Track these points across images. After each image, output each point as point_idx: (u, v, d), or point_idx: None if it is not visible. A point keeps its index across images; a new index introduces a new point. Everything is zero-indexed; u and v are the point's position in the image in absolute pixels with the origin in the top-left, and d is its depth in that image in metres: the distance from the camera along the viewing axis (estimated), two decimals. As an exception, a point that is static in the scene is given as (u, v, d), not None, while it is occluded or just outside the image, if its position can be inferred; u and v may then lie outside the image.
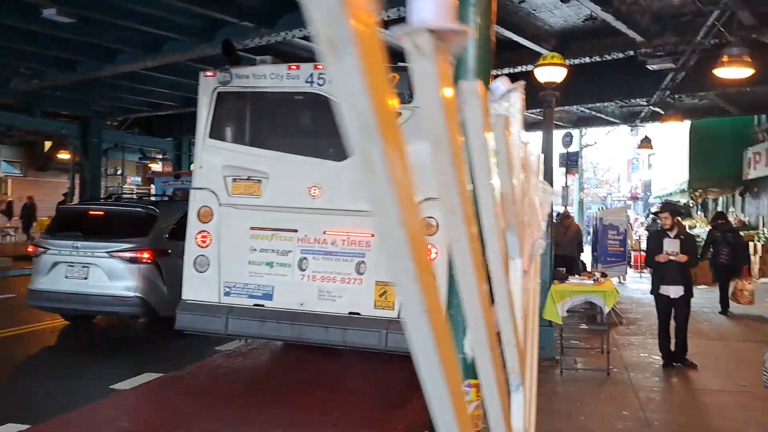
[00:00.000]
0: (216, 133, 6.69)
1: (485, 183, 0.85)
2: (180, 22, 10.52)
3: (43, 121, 19.25)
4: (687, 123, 17.92)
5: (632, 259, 15.87)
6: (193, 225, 6.71)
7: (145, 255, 8.02)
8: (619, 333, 9.19)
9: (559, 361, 7.18)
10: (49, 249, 8.22)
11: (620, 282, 14.63)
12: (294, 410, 5.68)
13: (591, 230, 16.23)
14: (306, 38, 10.17)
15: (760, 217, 16.10)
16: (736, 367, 7.26)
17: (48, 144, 25.18)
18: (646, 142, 17.93)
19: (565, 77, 11.83)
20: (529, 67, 10.78)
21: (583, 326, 9.08)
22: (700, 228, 16.33)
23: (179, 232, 7.38)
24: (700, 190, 19.48)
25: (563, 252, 12.97)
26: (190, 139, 17.98)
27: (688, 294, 7.25)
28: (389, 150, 0.47)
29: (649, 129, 23.98)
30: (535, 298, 1.79)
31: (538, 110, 13.88)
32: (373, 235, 6.45)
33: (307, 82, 6.55)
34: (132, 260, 8.00)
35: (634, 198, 41.43)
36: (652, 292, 7.51)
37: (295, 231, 6.42)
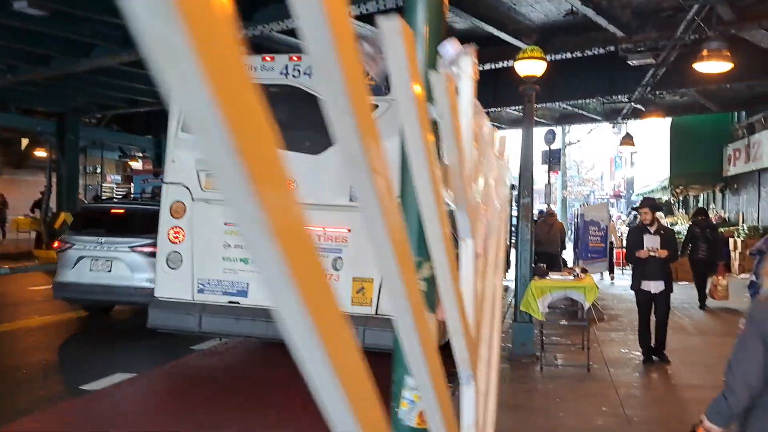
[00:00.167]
0: (188, 126, 6.52)
1: (415, 141, 0.73)
2: (156, 15, 10.29)
3: (18, 118, 18.86)
4: (668, 120, 18.01)
5: (615, 256, 15.88)
6: (165, 220, 6.55)
7: None
8: (600, 329, 9.16)
9: (540, 357, 7.10)
10: (75, 245, 8.73)
11: (610, 282, 14.64)
12: (271, 411, 5.54)
13: (573, 227, 16.24)
14: (284, 32, 10.01)
15: (740, 213, 16.21)
16: (715, 363, 7.21)
17: (25, 142, 24.70)
18: (627, 139, 17.99)
19: (547, 73, 11.76)
20: (511, 63, 10.71)
21: (564, 322, 9.03)
22: (681, 225, 16.40)
23: None
24: (680, 187, 19.59)
25: (547, 249, 12.94)
26: (170, 136, 17.66)
27: (668, 289, 7.23)
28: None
29: (631, 126, 24.12)
30: (497, 284, 1.68)
31: (520, 107, 13.83)
32: (349, 231, 6.32)
33: (281, 74, 6.41)
34: (152, 254, 8.15)
35: (617, 196, 41.68)
36: (632, 288, 7.46)
37: None
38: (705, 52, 8.05)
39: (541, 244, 13.12)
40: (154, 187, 14.87)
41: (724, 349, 7.59)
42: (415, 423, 1.30)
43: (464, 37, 9.85)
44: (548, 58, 11.10)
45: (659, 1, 9.53)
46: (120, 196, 20.37)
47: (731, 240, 14.43)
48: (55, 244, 9.90)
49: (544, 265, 7.71)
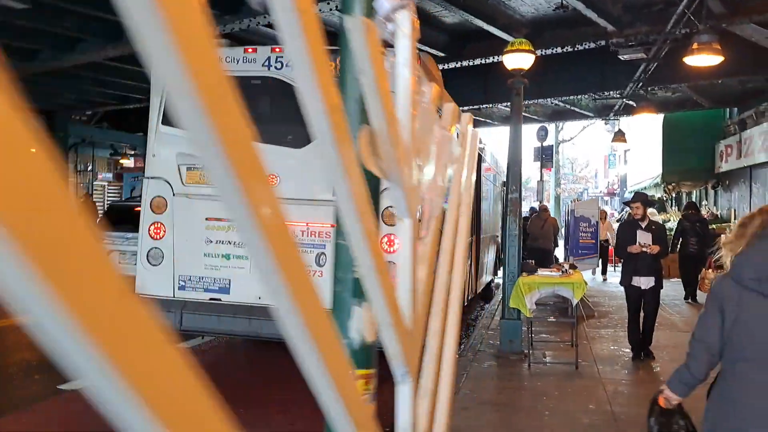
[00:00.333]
0: (169, 119, 6.39)
1: (308, 87, 0.62)
2: (141, 8, 10.14)
3: (5, 115, 18.62)
4: (660, 117, 17.94)
5: (609, 254, 15.79)
6: (145, 216, 6.41)
7: None
8: (590, 326, 9.08)
9: (528, 354, 7.01)
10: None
11: (603, 280, 14.56)
12: (252, 410, 5.42)
13: (565, 224, 16.15)
14: (271, 26, 9.88)
15: (732, 210, 16.16)
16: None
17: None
18: (619, 136, 17.91)
19: (537, 69, 11.65)
20: (501, 58, 10.62)
21: (552, 319, 8.94)
22: (674, 222, 16.34)
23: None
24: (673, 184, 19.53)
25: (540, 245, 12.89)
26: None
27: (659, 285, 7.15)
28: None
29: (624, 123, 24.06)
30: (456, 270, 1.57)
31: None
32: (333, 226, 6.20)
33: (264, 65, 6.30)
34: None
35: (611, 193, 41.67)
36: (622, 283, 7.38)
37: None
38: (695, 45, 7.96)
39: (535, 239, 13.08)
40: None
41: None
42: None
43: (454, 31, 9.83)
44: (539, 52, 11.00)
45: (650, -6, 9.46)
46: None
47: (723, 236, 14.35)
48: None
49: (533, 261, 7.61)
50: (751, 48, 10.68)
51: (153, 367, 0.39)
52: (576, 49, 10.94)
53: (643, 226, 7.09)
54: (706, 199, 18.71)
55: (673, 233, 11.63)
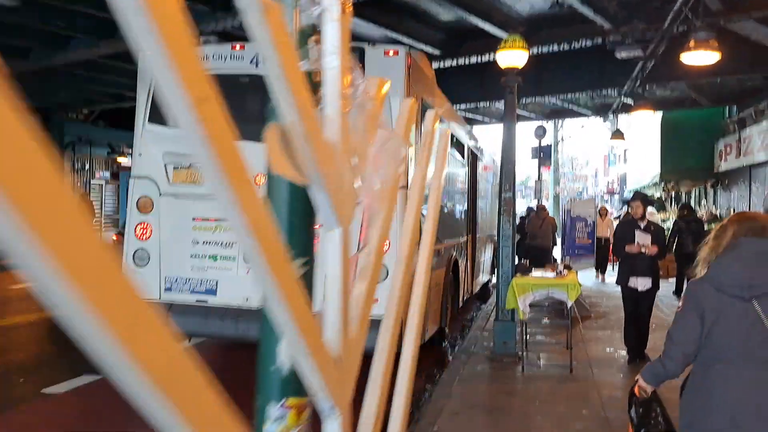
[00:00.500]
0: (156, 116, 6.28)
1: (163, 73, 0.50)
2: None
3: None
4: (659, 115, 17.81)
5: (609, 253, 15.62)
6: (131, 216, 6.30)
7: None
8: (586, 327, 8.96)
9: (522, 357, 6.89)
10: None
11: (601, 281, 14.39)
12: (240, 414, 5.30)
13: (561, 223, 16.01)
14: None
15: (731, 209, 16.02)
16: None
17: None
18: (617, 134, 17.78)
19: (535, 67, 11.56)
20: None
21: (546, 321, 8.82)
22: (672, 221, 16.23)
23: None
24: (672, 183, 19.40)
25: (539, 243, 12.79)
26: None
27: (655, 287, 7.03)
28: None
29: (624, 122, 23.93)
30: (415, 287, 1.44)
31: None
32: (320, 226, 6.09)
33: (252, 63, 6.18)
34: None
35: (611, 192, 41.57)
36: (618, 283, 7.26)
37: None
38: (692, 43, 7.84)
39: (534, 237, 12.97)
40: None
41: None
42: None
43: (450, 29, 9.69)
44: (535, 50, 10.90)
45: (646, -9, 9.34)
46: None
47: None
48: (115, 237, 11.39)
49: (527, 262, 7.49)
50: (750, 46, 10.57)
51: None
52: (573, 47, 10.84)
53: (642, 227, 6.96)
54: (705, 199, 18.59)
55: (669, 233, 11.54)
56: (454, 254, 8.67)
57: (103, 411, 5.52)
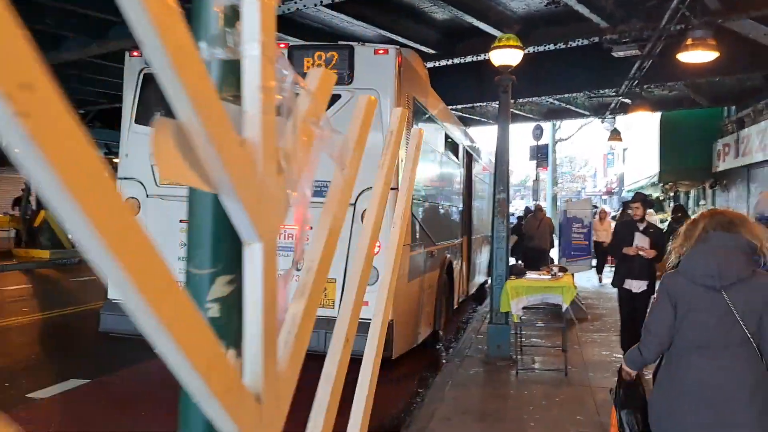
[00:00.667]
0: (142, 117, 6.18)
1: None
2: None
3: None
4: (657, 115, 17.71)
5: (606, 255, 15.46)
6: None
7: None
8: (582, 329, 8.85)
9: (516, 360, 6.78)
10: None
11: (599, 283, 14.25)
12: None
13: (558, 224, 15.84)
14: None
15: (730, 209, 15.91)
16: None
17: (5, 138, 24.18)
18: (615, 135, 17.67)
19: (531, 67, 11.44)
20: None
21: (540, 324, 8.71)
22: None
23: None
24: (670, 183, 19.28)
25: (536, 244, 12.66)
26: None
27: (650, 290, 6.90)
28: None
29: (623, 122, 23.83)
30: (378, 306, 1.33)
31: (512, 101, 13.50)
32: (311, 228, 5.98)
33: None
34: None
35: (610, 193, 41.48)
36: (614, 284, 7.15)
37: None
38: (689, 41, 7.72)
39: (531, 239, 12.85)
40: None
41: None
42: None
43: (445, 28, 9.57)
44: (531, 49, 10.79)
45: (643, -10, 9.22)
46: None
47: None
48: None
49: (522, 263, 7.38)
50: (749, 45, 10.45)
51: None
52: (569, 45, 10.72)
53: (642, 229, 6.83)
54: (704, 199, 18.48)
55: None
56: (448, 256, 8.56)
57: (88, 416, 5.41)
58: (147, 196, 6.16)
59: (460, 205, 10.09)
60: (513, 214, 19.25)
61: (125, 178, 6.23)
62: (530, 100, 15.36)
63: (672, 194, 20.93)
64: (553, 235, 13.61)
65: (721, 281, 2.54)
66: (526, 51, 9.26)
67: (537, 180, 17.93)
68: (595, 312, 10.34)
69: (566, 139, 27.69)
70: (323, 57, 5.84)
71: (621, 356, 7.03)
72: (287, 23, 10.35)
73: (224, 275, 0.83)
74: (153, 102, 6.26)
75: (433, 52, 11.49)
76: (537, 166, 18.44)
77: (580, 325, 9.00)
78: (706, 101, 15.48)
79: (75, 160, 0.46)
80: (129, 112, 6.20)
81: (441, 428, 4.92)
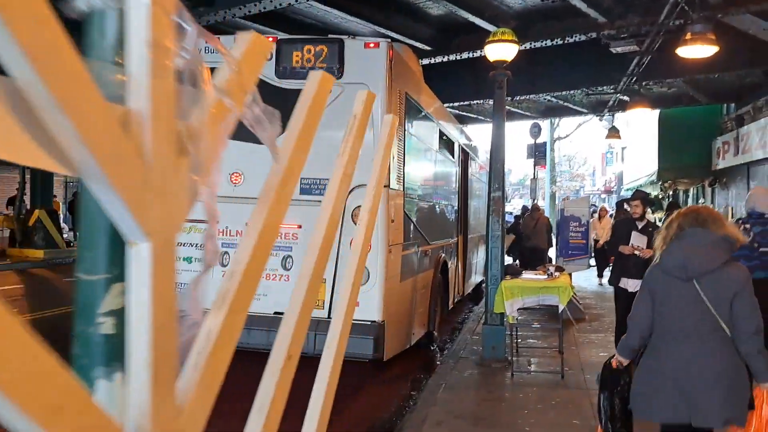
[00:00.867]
0: None
1: None
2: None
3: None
4: (656, 113, 17.55)
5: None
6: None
7: None
8: (579, 330, 8.70)
9: (511, 362, 6.63)
10: None
11: (599, 283, 14.07)
12: (211, 422, 5.04)
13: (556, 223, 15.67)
14: (247, 17, 9.50)
15: (729, 208, 15.78)
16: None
17: None
18: (613, 132, 17.51)
19: (528, 64, 11.29)
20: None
21: (536, 325, 8.56)
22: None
23: None
24: (669, 181, 19.12)
25: (533, 243, 12.51)
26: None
27: (647, 288, 6.76)
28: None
29: (622, 120, 23.68)
30: (337, 318, 1.19)
31: (508, 99, 13.34)
32: (300, 227, 5.83)
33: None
34: None
35: (608, 191, 41.32)
36: (611, 283, 6.99)
37: None
38: (688, 35, 7.56)
39: (528, 238, 12.69)
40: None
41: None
42: None
43: (440, 24, 9.41)
44: (528, 45, 10.63)
45: (642, -16, 9.07)
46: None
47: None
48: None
49: (517, 263, 7.22)
50: (748, 40, 10.30)
51: None
52: (566, 41, 10.57)
53: (640, 227, 6.66)
54: (704, 197, 18.33)
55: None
56: (443, 255, 8.40)
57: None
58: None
59: (456, 204, 9.94)
60: (510, 213, 19.12)
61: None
62: (527, 97, 15.21)
63: (671, 193, 20.78)
64: (551, 234, 13.46)
65: (688, 273, 2.78)
66: (522, 47, 9.12)
67: (535, 178, 17.78)
68: (592, 312, 10.19)
69: (564, 138, 27.55)
70: (312, 51, 5.68)
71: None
72: (279, 18, 10.20)
73: (122, 282, 0.67)
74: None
75: (428, 48, 11.33)
76: (535, 165, 18.28)
77: (577, 326, 8.85)
78: (706, 98, 15.33)
79: None
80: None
81: (433, 433, 4.77)
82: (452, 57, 11.59)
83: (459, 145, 10.06)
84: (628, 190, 23.62)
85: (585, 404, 5.49)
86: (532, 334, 8.27)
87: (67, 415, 0.47)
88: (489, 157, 7.73)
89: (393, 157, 5.78)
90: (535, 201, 17.41)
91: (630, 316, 3.06)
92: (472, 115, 18.46)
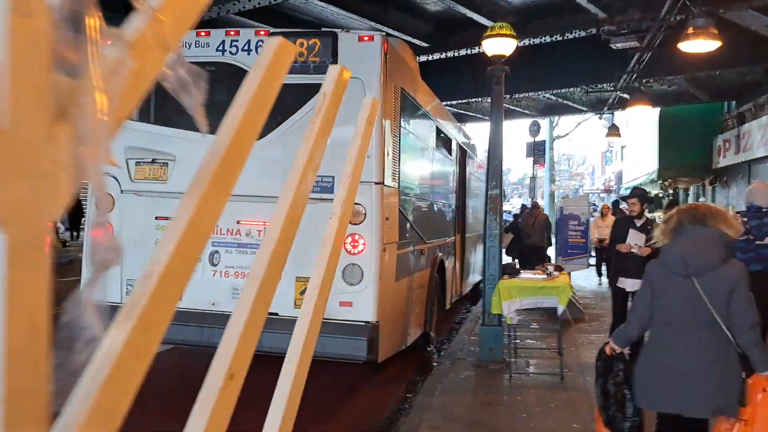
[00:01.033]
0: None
1: None
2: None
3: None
4: (656, 111, 17.42)
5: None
6: (91, 215, 5.90)
7: None
8: (579, 330, 8.56)
9: (509, 364, 6.48)
10: None
11: (598, 283, 13.89)
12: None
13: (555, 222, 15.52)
14: (241, 14, 9.34)
15: (730, 206, 15.63)
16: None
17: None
18: (613, 131, 17.36)
19: (528, 61, 11.14)
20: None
21: (534, 326, 8.41)
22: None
23: None
24: (669, 180, 18.98)
25: (532, 241, 12.37)
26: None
27: (645, 288, 6.61)
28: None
29: (622, 118, 23.53)
30: (299, 330, 1.06)
31: (507, 97, 13.21)
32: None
33: (218, 50, 5.78)
34: None
35: (608, 190, 41.20)
36: (609, 283, 6.84)
37: None
38: (690, 30, 7.41)
39: (527, 236, 12.55)
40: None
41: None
42: None
43: (438, 20, 9.26)
44: (527, 42, 10.48)
45: (642, -21, 8.92)
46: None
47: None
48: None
49: (516, 262, 7.08)
50: (750, 37, 10.16)
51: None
52: (566, 37, 10.42)
53: (638, 225, 6.51)
54: (704, 196, 18.20)
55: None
56: (440, 254, 8.26)
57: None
58: (121, 191, 5.87)
59: (453, 203, 9.79)
60: (509, 212, 18.97)
61: (98, 173, 5.92)
62: (526, 95, 15.06)
63: (671, 191, 20.64)
64: (550, 231, 13.32)
65: (686, 269, 2.89)
66: (521, 44, 8.97)
67: (534, 177, 17.64)
68: (592, 312, 10.05)
69: (564, 136, 27.40)
70: (305, 44, 5.53)
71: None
72: (275, 14, 10.05)
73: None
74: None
75: (426, 45, 11.19)
76: (534, 163, 18.14)
77: (576, 326, 8.71)
78: (706, 96, 15.19)
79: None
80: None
81: (428, 438, 4.63)
82: (450, 54, 11.45)
83: (457, 143, 9.92)
84: (627, 188, 23.46)
85: (585, 406, 5.35)
86: (530, 335, 8.14)
87: None
88: (487, 155, 7.59)
89: (388, 154, 5.63)
90: (535, 199, 17.27)
91: (633, 306, 3.22)
92: (471, 114, 18.31)
